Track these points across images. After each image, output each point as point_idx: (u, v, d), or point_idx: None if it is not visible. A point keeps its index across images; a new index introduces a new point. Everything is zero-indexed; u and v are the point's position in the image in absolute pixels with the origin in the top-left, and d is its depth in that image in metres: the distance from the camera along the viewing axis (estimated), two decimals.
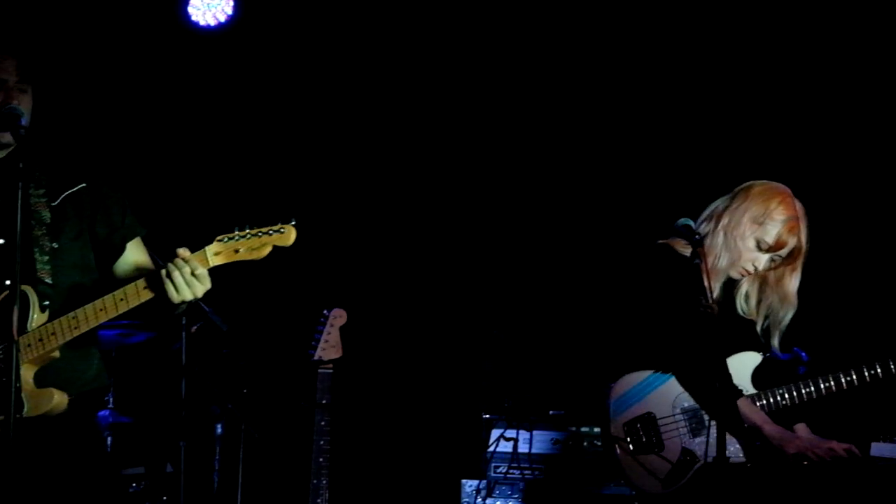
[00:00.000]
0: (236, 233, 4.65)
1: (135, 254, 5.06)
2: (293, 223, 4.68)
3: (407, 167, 8.99)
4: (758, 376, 5.99)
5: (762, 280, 6.00)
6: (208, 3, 8.44)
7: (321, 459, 6.93)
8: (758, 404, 5.85)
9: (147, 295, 4.67)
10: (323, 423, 6.93)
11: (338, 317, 6.95)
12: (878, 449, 6.53)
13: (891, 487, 6.43)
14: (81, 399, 4.80)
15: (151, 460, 8.15)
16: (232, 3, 8.47)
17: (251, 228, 4.64)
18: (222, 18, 8.48)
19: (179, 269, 4.58)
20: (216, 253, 4.66)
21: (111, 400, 7.80)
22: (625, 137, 8.68)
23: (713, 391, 5.81)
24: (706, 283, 5.39)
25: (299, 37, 8.81)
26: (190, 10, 8.46)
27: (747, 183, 5.96)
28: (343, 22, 8.75)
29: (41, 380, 4.68)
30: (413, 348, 8.81)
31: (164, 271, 4.59)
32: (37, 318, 4.69)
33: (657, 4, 8.41)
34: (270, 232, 4.67)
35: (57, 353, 4.69)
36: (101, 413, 7.58)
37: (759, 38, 8.29)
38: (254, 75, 8.86)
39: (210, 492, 7.65)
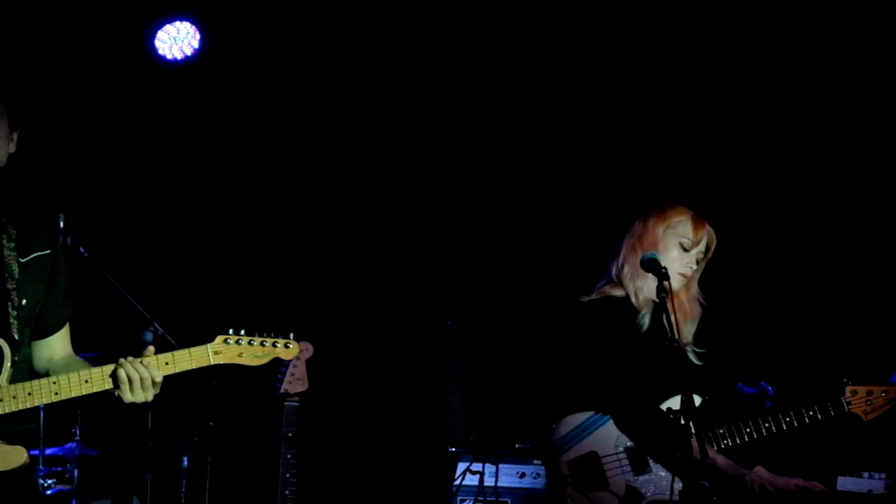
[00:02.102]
0: (243, 335, 4.58)
1: (67, 334, 4.95)
2: (297, 341, 4.68)
3: (370, 204, 8.99)
4: (702, 415, 5.81)
5: (680, 308, 5.97)
6: (175, 37, 8.49)
7: (287, 492, 6.89)
8: (721, 442, 5.78)
9: (89, 389, 4.55)
10: (289, 456, 6.89)
11: (304, 350, 6.83)
12: (844, 483, 6.68)
13: None
14: (13, 442, 4.67)
15: (118, 493, 7.99)
16: (198, 38, 8.52)
17: (259, 335, 4.60)
18: (189, 52, 8.51)
19: (134, 373, 4.49)
20: (216, 352, 4.57)
21: (78, 432, 7.72)
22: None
23: (657, 431, 5.79)
24: (672, 318, 5.35)
25: (265, 68, 8.82)
26: (157, 43, 8.49)
27: (640, 212, 6.01)
28: (308, 52, 8.76)
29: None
30: (379, 382, 8.78)
31: (122, 372, 4.50)
32: (7, 374, 4.55)
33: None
34: (276, 344, 4.64)
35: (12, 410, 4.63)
36: (68, 445, 7.63)
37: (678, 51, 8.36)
38: (221, 107, 8.84)
39: None
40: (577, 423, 5.90)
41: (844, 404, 5.76)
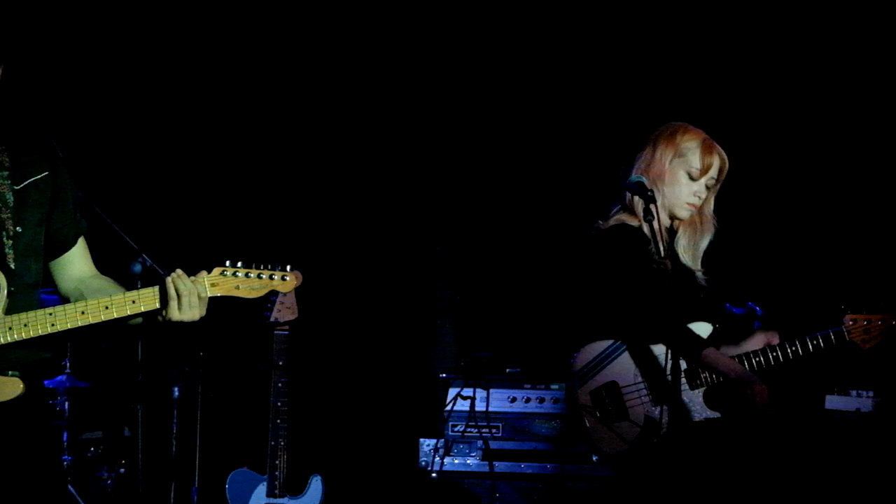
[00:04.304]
0: (240, 268, 4.48)
1: (82, 250, 4.83)
2: (296, 272, 4.56)
3: (361, 128, 8.76)
4: (714, 341, 5.78)
5: (692, 227, 5.92)
6: None
7: (279, 420, 7.07)
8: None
9: (136, 309, 4.46)
10: (280, 385, 7.06)
11: (293, 278, 6.73)
12: (832, 402, 6.77)
13: (844, 437, 6.64)
14: (27, 371, 4.55)
15: (109, 425, 8.13)
16: None
17: (256, 267, 4.50)
18: None
19: (186, 288, 4.42)
20: (213, 284, 4.49)
21: (68, 365, 7.78)
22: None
23: (676, 343, 5.64)
24: (659, 238, 5.42)
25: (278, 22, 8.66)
26: None
27: (652, 135, 5.88)
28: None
29: None
30: (369, 308, 8.75)
31: (171, 285, 4.41)
32: (2, 304, 4.46)
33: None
34: (273, 276, 4.54)
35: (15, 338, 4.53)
36: (59, 378, 7.66)
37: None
38: (216, 39, 8.64)
39: (168, 455, 7.47)
40: (598, 351, 5.83)
41: (845, 333, 5.72)
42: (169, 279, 4.44)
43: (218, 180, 8.84)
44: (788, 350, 5.69)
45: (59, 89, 8.37)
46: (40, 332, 4.47)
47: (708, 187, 5.84)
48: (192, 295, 4.44)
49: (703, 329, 5.75)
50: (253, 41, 8.77)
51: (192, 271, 4.50)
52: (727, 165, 5.87)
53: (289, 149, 8.92)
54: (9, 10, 5.59)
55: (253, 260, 4.53)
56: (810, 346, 5.69)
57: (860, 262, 7.96)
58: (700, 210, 5.90)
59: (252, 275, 4.51)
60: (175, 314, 4.43)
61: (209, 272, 4.49)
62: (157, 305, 4.48)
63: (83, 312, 4.46)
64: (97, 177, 6.64)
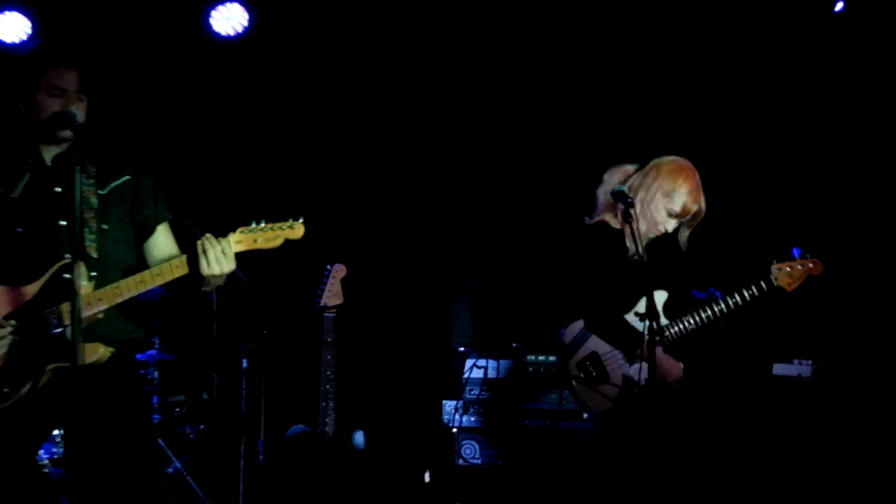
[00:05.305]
0: (254, 226, 4.74)
1: (162, 235, 5.10)
2: (301, 220, 4.76)
3: (398, 159, 8.95)
4: (670, 308, 6.14)
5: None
6: (227, 16, 8.38)
7: (328, 386, 7.13)
8: (672, 330, 6.03)
9: (180, 272, 4.76)
10: (328, 357, 7.14)
11: (339, 270, 7.20)
12: (778, 368, 7.01)
13: (789, 399, 6.88)
14: (122, 347, 4.92)
15: (190, 390, 8.32)
16: (247, 16, 8.39)
17: (267, 223, 4.72)
18: (239, 29, 8.41)
19: (213, 247, 4.68)
20: (238, 241, 4.74)
21: (157, 342, 7.92)
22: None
23: (617, 332, 6.03)
24: (637, 237, 5.67)
25: (304, 45, 8.70)
26: (211, 21, 8.39)
27: (657, 160, 6.15)
28: (339, 32, 8.66)
29: (89, 336, 4.73)
30: (402, 295, 8.84)
31: (199, 246, 4.69)
32: (85, 285, 4.71)
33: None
34: (283, 227, 4.74)
35: (102, 315, 4.79)
36: (150, 352, 7.77)
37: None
38: (266, 78, 8.78)
39: (238, 414, 7.69)
40: (579, 328, 6.07)
41: (773, 280, 6.03)
42: (199, 241, 4.71)
43: (283, 184, 8.75)
44: (730, 301, 6.01)
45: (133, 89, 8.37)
46: (112, 302, 4.74)
47: (680, 222, 6.13)
48: (216, 250, 4.67)
49: (660, 296, 6.10)
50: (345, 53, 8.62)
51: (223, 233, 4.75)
52: (701, 216, 6.11)
53: (341, 175, 8.86)
54: (93, 51, 5.53)
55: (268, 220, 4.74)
56: (746, 295, 6.01)
57: (780, 223, 7.98)
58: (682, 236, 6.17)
59: (266, 228, 4.71)
60: (205, 269, 4.68)
61: (233, 233, 4.75)
62: (175, 274, 4.73)
63: (141, 281, 4.76)
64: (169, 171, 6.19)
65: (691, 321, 6.05)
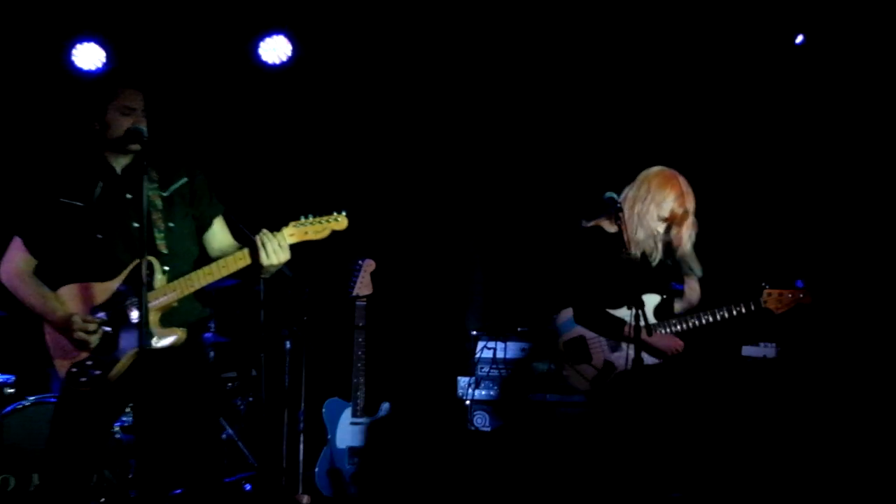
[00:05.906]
0: (303, 220, 4.90)
1: (219, 227, 5.27)
2: (344, 213, 4.89)
3: (422, 168, 9.11)
4: (659, 310, 6.29)
5: (667, 244, 6.27)
6: (273, 47, 8.71)
7: (359, 365, 7.41)
8: (673, 329, 6.16)
9: (242, 263, 4.93)
10: (360, 340, 7.44)
11: (369, 265, 7.55)
12: (746, 350, 7.11)
13: (756, 378, 6.98)
14: (193, 327, 5.10)
15: (241, 367, 8.48)
16: (290, 46, 8.71)
17: (315, 217, 4.87)
18: (284, 58, 8.74)
19: (270, 241, 4.86)
20: (291, 234, 4.91)
21: (213, 326, 8.04)
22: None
23: (603, 322, 6.19)
24: (626, 237, 5.83)
25: (337, 69, 8.92)
26: (260, 51, 8.76)
27: (644, 173, 6.25)
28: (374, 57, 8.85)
29: (166, 322, 4.93)
30: (423, 285, 8.99)
31: (259, 240, 4.85)
32: (160, 278, 4.91)
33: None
34: (329, 220, 4.87)
35: (176, 303, 4.99)
36: (206, 335, 7.53)
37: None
38: (304, 99, 8.95)
39: (282, 388, 7.76)
40: (570, 314, 6.30)
41: (762, 302, 6.13)
42: (258, 236, 4.84)
43: (323, 190, 8.86)
44: (719, 314, 6.17)
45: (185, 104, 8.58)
46: (186, 292, 4.92)
47: (670, 225, 6.18)
48: (272, 244, 4.81)
49: (651, 299, 6.24)
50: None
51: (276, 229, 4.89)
52: (689, 216, 6.15)
53: (372, 181, 9.03)
54: (157, 76, 6.19)
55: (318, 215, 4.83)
56: (735, 311, 6.15)
57: (779, 250, 8.05)
58: (679, 237, 6.22)
59: (315, 222, 4.84)
60: (265, 259, 4.82)
61: (286, 227, 4.92)
62: (239, 265, 4.88)
63: (209, 273, 4.92)
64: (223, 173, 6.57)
65: (677, 327, 6.19)
